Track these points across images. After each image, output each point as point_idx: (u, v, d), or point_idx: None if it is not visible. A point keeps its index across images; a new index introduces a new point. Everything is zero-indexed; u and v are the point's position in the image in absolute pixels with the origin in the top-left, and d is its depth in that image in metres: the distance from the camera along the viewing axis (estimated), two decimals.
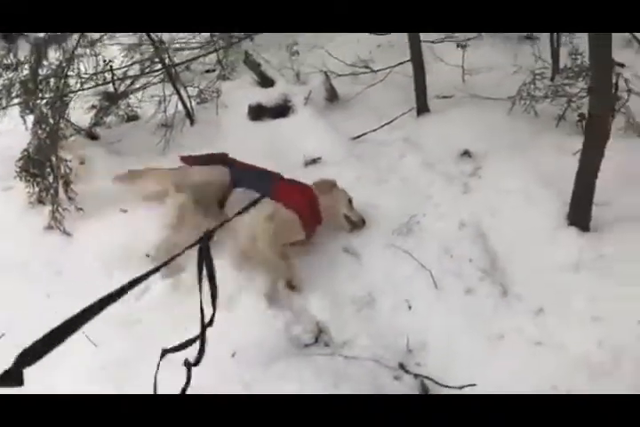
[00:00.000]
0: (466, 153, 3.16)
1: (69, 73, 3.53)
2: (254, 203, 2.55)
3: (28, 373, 1.05)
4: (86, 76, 3.75)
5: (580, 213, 2.46)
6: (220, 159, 2.96)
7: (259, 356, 2.08)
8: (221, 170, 2.84)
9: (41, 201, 3.12)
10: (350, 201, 2.79)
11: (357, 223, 2.74)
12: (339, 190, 2.81)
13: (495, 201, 2.77)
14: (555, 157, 2.95)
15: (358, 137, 3.49)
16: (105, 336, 2.20)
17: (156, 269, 1.46)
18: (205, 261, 1.61)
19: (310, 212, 2.68)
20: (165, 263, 1.54)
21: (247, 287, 2.41)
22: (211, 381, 1.96)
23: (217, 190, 2.75)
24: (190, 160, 3.00)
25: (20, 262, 2.60)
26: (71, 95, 3.61)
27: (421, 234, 2.71)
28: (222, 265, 2.13)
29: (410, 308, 2.39)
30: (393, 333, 2.28)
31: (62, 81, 3.39)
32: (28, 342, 1.07)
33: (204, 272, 1.61)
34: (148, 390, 1.38)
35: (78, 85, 3.74)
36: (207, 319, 1.52)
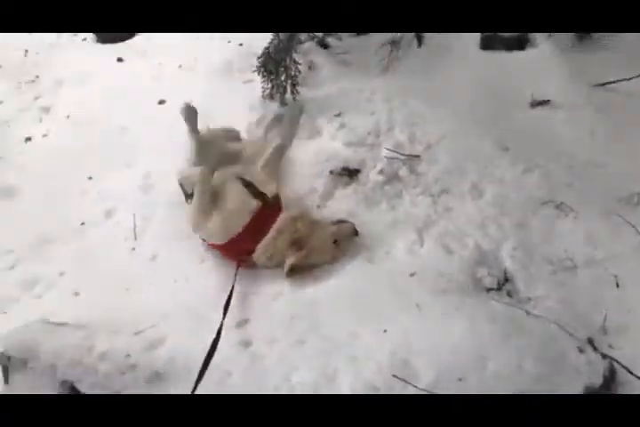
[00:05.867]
0: None
1: None
2: None
3: None
4: None
5: None
6: None
7: (436, 282, 2.10)
8: None
9: (272, 97, 3.40)
10: None
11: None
12: None
13: None
14: None
15: (604, 84, 3.03)
16: None
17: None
18: None
19: None
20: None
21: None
22: (387, 296, 2.07)
23: None
24: None
25: None
26: None
27: None
28: None
29: (617, 285, 2.14)
30: (589, 306, 2.08)
31: None
32: None
33: None
34: None
35: None
36: None
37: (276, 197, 2.46)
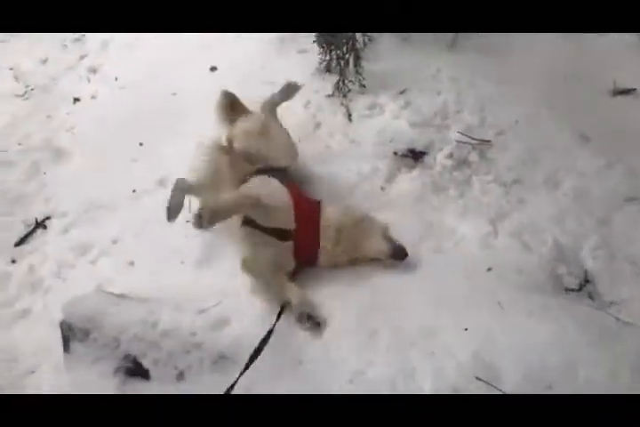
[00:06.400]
0: None
1: None
2: None
3: None
4: None
5: None
6: None
7: (516, 278, 1.99)
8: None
9: (328, 70, 3.24)
10: None
11: None
12: None
13: None
14: None
15: None
16: None
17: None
18: None
19: None
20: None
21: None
22: (463, 291, 1.97)
23: None
24: None
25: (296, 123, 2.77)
26: None
27: None
28: None
29: None
30: None
31: None
32: None
33: None
34: None
35: None
36: None
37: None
